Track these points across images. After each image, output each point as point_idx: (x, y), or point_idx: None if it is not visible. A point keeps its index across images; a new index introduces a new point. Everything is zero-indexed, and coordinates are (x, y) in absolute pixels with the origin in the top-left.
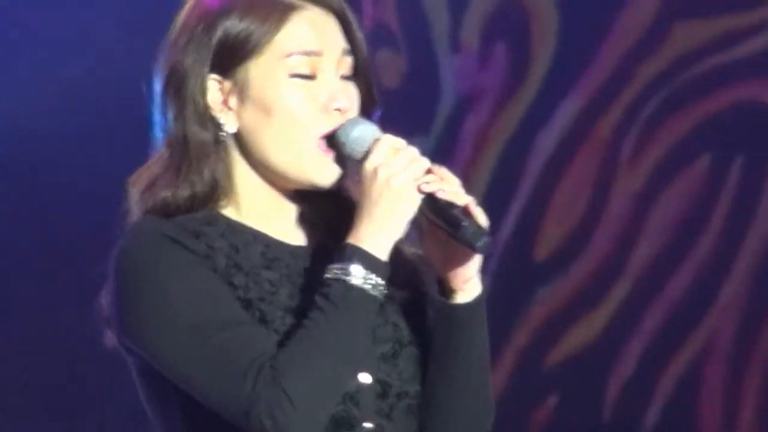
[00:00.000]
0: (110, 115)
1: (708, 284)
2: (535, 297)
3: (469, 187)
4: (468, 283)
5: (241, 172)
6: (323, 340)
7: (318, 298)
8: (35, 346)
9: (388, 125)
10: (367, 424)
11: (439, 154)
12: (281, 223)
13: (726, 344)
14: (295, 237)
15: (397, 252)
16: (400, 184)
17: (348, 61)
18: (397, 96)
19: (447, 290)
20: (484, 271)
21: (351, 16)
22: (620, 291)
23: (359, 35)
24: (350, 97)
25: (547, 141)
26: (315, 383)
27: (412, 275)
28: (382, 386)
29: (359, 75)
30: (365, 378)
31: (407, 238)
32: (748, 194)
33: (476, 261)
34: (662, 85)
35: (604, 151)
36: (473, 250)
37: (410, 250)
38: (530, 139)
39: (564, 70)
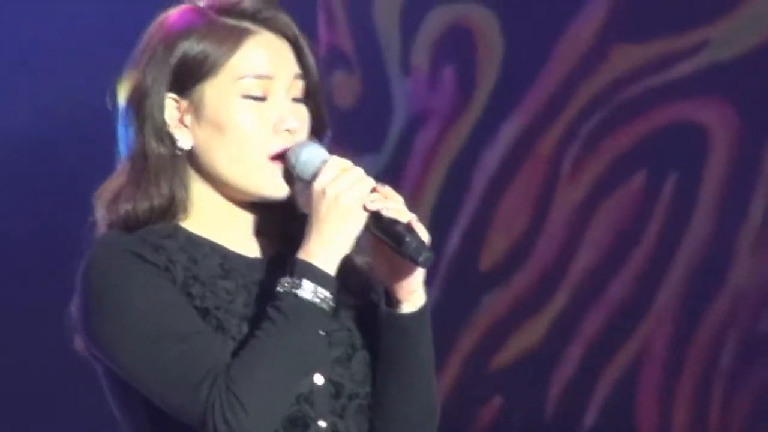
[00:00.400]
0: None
1: (643, 292)
2: (480, 304)
3: (418, 201)
4: (413, 294)
5: (198, 186)
6: (273, 350)
7: (270, 310)
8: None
9: (342, 143)
10: (322, 423)
11: (391, 170)
12: (238, 235)
13: (660, 349)
14: (251, 249)
15: (350, 262)
16: (347, 202)
17: (299, 85)
18: (351, 115)
19: (393, 301)
20: (432, 279)
21: (304, 41)
22: (561, 298)
23: (311, 60)
24: (300, 118)
25: (491, 158)
26: (265, 390)
27: (365, 284)
28: (335, 387)
29: (310, 98)
30: (319, 380)
31: (360, 248)
32: (681, 208)
33: (420, 273)
34: (600, 106)
35: (546, 167)
36: (416, 264)
37: (363, 260)
38: (476, 157)
39: (507, 92)
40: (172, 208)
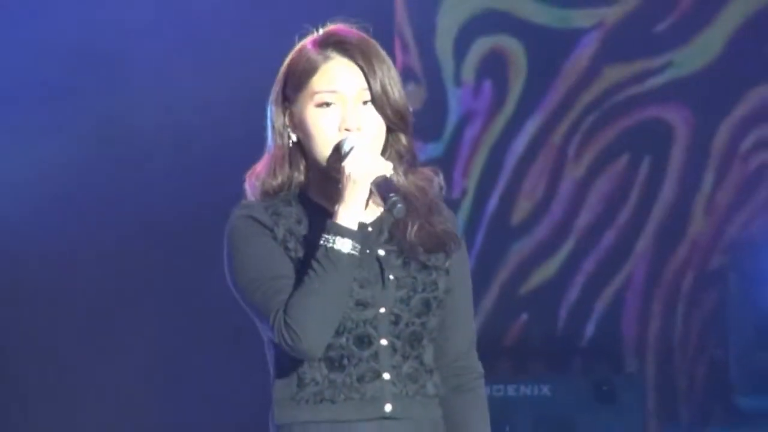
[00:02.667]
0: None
1: (627, 242)
2: (511, 249)
3: (467, 176)
4: None
5: (309, 167)
6: (311, 288)
7: (312, 260)
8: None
9: (414, 134)
10: (383, 342)
11: (448, 153)
12: (336, 201)
13: (639, 282)
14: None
15: (428, 227)
16: (356, 177)
17: (365, 95)
18: (419, 115)
19: None
20: (477, 230)
21: (368, 64)
22: (568, 245)
23: (377, 76)
24: (363, 118)
25: (518, 145)
26: (310, 318)
27: (438, 245)
28: (395, 317)
29: (375, 103)
30: (378, 310)
31: (438, 214)
32: (653, 181)
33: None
34: (595, 109)
35: (556, 152)
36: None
37: (442, 227)
38: (507, 144)
39: (529, 99)
40: (291, 183)
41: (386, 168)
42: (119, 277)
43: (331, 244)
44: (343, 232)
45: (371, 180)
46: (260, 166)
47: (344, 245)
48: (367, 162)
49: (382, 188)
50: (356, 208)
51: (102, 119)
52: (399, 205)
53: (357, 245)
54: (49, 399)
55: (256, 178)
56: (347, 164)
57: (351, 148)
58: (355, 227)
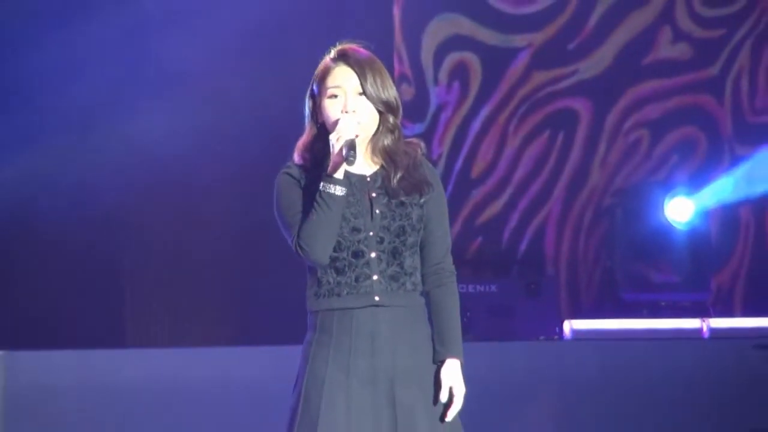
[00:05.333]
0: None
1: (547, 189)
2: (471, 194)
3: (443, 144)
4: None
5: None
6: (311, 217)
7: (314, 200)
8: None
9: (405, 118)
10: (372, 254)
11: (429, 130)
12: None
13: (556, 214)
14: (361, 169)
15: (409, 176)
16: (335, 141)
17: (359, 89)
18: (409, 105)
19: None
20: (450, 180)
21: (362, 71)
22: (508, 191)
23: (368, 77)
24: (357, 105)
25: (475, 125)
26: (312, 238)
27: (414, 188)
28: (380, 238)
29: (366, 95)
30: (368, 233)
31: (414, 169)
32: (565, 149)
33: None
34: (527, 100)
35: (501, 130)
36: (348, 163)
37: (419, 177)
38: (468, 125)
39: (483, 94)
40: (323, 152)
41: (351, 135)
42: (214, 209)
43: (324, 189)
44: (332, 180)
45: (342, 143)
46: (300, 141)
47: (333, 189)
48: (340, 133)
49: (348, 147)
50: (338, 163)
51: (208, 107)
52: (351, 159)
53: (343, 189)
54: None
55: (297, 149)
56: (331, 135)
57: (337, 120)
58: (340, 176)
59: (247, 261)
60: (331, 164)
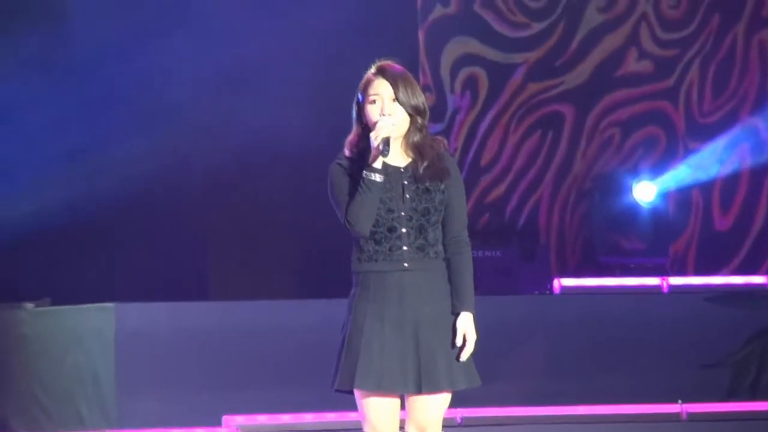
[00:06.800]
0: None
1: (541, 175)
2: (481, 179)
3: (459, 140)
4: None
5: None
6: (356, 199)
7: (358, 185)
8: None
9: (429, 119)
10: (403, 230)
11: (446, 129)
12: (393, 154)
13: (547, 197)
14: (397, 161)
15: (433, 166)
16: (374, 138)
17: (393, 96)
18: (431, 109)
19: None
20: (464, 168)
21: (395, 82)
22: (509, 177)
23: (400, 87)
24: (391, 109)
25: (483, 125)
26: (355, 215)
27: (437, 176)
28: (409, 217)
29: (399, 101)
30: (400, 213)
31: (438, 161)
32: (554, 144)
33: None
34: (524, 105)
35: (504, 128)
36: (384, 154)
37: (440, 166)
38: (478, 125)
39: (489, 101)
40: (366, 147)
41: (387, 133)
42: (278, 191)
43: (366, 176)
44: (373, 169)
45: (380, 140)
46: (348, 138)
47: (373, 176)
48: (378, 132)
49: (384, 143)
50: (377, 156)
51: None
52: (386, 152)
53: (381, 176)
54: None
55: (346, 144)
56: (371, 133)
57: (376, 122)
58: (379, 166)
59: (307, 229)
60: (371, 157)
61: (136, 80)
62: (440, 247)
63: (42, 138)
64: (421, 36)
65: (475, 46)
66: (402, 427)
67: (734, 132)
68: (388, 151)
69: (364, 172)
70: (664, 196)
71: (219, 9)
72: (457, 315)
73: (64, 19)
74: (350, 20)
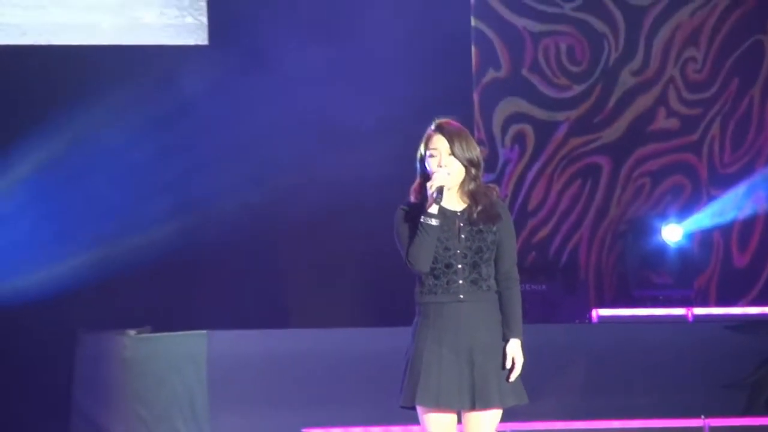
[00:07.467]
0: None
1: (581, 219)
2: (528, 221)
3: (507, 189)
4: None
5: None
6: (416, 241)
7: (417, 228)
8: None
9: (482, 169)
10: (459, 266)
11: (498, 177)
12: (449, 199)
13: (587, 238)
14: (453, 205)
15: (486, 211)
16: (431, 187)
17: (449, 151)
18: (486, 161)
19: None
20: (514, 209)
21: (451, 138)
22: (553, 220)
23: (455, 142)
24: (447, 162)
25: (531, 174)
26: (414, 256)
27: (490, 220)
28: (464, 254)
29: (455, 155)
30: (456, 251)
31: (489, 204)
32: (593, 191)
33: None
34: (566, 157)
35: (548, 177)
36: (437, 203)
37: (493, 211)
38: (525, 174)
39: (536, 153)
40: (426, 194)
41: (441, 183)
42: (353, 237)
43: (423, 220)
44: (429, 214)
45: (434, 189)
46: (413, 186)
47: (429, 221)
48: (434, 182)
49: (438, 192)
50: (432, 204)
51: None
52: (438, 200)
53: (437, 220)
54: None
55: (411, 191)
56: (428, 183)
57: (432, 174)
58: (435, 212)
59: (378, 265)
60: (428, 203)
61: (243, 139)
62: (492, 282)
63: (160, 189)
64: (475, 96)
65: (523, 106)
66: None
67: (751, 181)
68: (441, 198)
69: (422, 217)
70: (689, 236)
71: (314, 78)
72: (507, 341)
73: (182, 85)
74: (416, 85)
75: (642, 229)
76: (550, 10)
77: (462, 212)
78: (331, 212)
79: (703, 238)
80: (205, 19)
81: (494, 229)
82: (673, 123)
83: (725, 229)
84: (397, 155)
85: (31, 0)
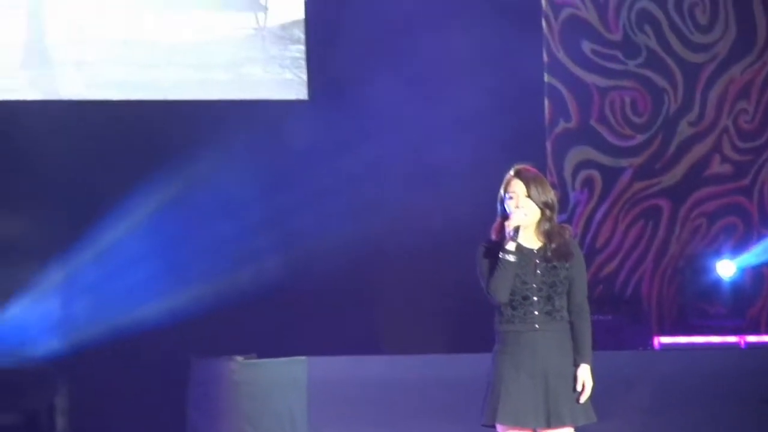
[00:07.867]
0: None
1: (643, 255)
2: (597, 258)
3: (577, 228)
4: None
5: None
6: (496, 275)
7: (497, 264)
8: None
9: (557, 211)
10: (535, 298)
11: (569, 219)
12: (526, 237)
13: (649, 273)
14: (530, 243)
15: (560, 249)
16: (507, 227)
17: (526, 193)
18: (558, 202)
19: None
20: (584, 246)
21: (527, 183)
22: (620, 256)
23: (532, 186)
24: (524, 203)
25: (598, 216)
26: (495, 288)
27: (563, 257)
28: (539, 288)
29: (531, 198)
30: (532, 285)
31: (562, 243)
32: (654, 231)
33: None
34: (629, 200)
35: (614, 218)
36: (513, 240)
37: (566, 249)
38: (593, 216)
39: (603, 197)
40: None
41: (517, 223)
42: (433, 267)
43: (502, 257)
44: (507, 251)
45: (512, 227)
46: (494, 225)
47: (507, 257)
48: (512, 221)
49: (514, 231)
50: (511, 241)
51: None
52: (514, 238)
53: (515, 257)
54: None
55: (492, 230)
56: (506, 223)
57: (509, 215)
58: (513, 249)
59: (462, 296)
60: (506, 241)
61: (343, 178)
62: (565, 313)
63: (265, 225)
64: (548, 145)
65: (591, 153)
66: None
67: None
68: (516, 236)
69: (501, 253)
70: (742, 271)
71: (409, 125)
72: (577, 366)
73: (286, 133)
74: (495, 134)
75: (699, 265)
76: (616, 67)
77: (538, 250)
78: (422, 247)
79: (755, 273)
80: (305, 76)
81: (567, 265)
82: (726, 168)
83: None
84: (481, 196)
85: (147, 59)
